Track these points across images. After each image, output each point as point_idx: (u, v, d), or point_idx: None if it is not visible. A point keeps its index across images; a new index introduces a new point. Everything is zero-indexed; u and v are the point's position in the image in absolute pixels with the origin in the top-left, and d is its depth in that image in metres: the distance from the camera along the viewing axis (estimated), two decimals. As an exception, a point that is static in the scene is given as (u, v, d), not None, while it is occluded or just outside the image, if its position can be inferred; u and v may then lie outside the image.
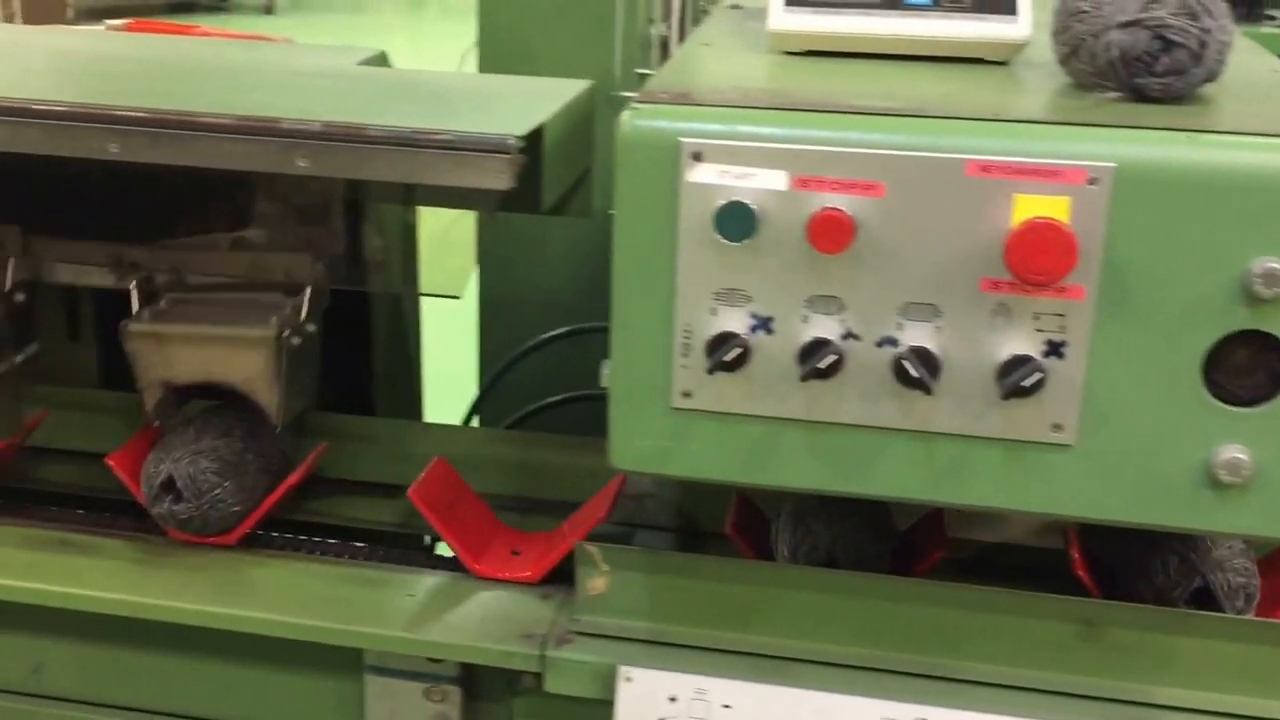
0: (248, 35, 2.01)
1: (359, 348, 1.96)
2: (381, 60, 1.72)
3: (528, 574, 1.50)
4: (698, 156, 1.11)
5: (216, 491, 1.53)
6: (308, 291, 1.60)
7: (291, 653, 1.45)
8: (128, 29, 2.13)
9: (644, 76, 1.67)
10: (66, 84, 1.56)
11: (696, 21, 1.60)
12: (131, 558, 1.53)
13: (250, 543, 1.58)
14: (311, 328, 1.62)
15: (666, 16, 1.56)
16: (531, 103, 1.44)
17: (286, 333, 1.56)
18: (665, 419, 1.18)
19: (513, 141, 1.27)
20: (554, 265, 2.12)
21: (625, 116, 1.14)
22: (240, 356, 1.55)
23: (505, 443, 1.89)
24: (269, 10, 10.93)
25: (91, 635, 1.52)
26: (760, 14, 1.39)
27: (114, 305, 1.92)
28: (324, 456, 1.71)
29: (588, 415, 1.99)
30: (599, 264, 2.09)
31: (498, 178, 1.28)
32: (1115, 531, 1.43)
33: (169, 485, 1.53)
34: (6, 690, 1.57)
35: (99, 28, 2.23)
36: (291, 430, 1.68)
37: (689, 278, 1.14)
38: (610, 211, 1.61)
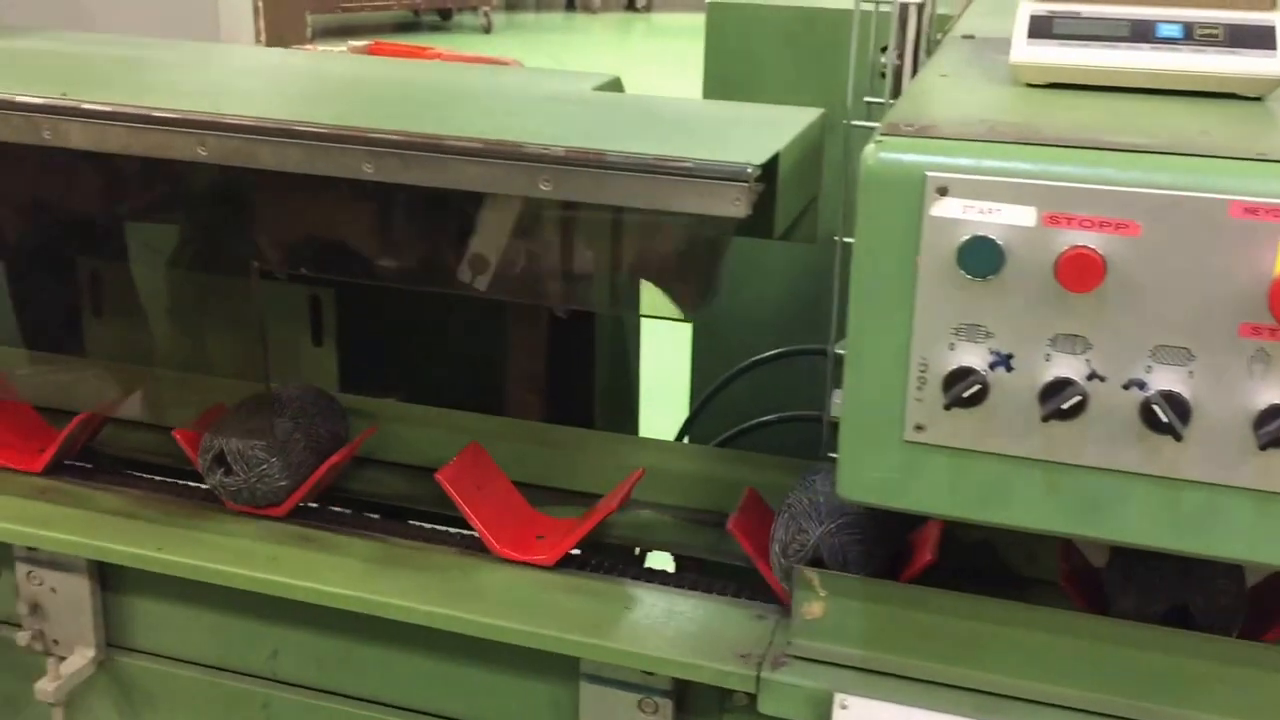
0: (482, 58, 2.09)
1: (584, 364, 2.02)
2: (615, 85, 1.76)
3: (543, 557, 1.58)
4: (943, 190, 1.11)
5: (263, 466, 1.65)
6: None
7: (511, 655, 1.50)
8: (369, 51, 2.25)
9: (872, 105, 1.67)
10: (323, 106, 1.65)
11: (929, 51, 1.59)
12: (365, 556, 1.61)
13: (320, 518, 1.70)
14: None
15: (899, 45, 1.55)
16: (766, 131, 1.46)
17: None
18: (897, 452, 1.18)
19: (750, 170, 1.29)
20: (768, 287, 2.13)
21: (869, 149, 1.14)
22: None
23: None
24: (487, 30, 11.28)
25: (324, 627, 1.61)
26: (998, 44, 1.37)
27: (353, 312, 2.04)
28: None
29: (798, 436, 2.00)
30: (812, 286, 2.10)
31: (735, 205, 1.30)
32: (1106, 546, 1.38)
33: (220, 459, 1.66)
34: (246, 673, 1.67)
35: (341, 48, 2.36)
36: (344, 413, 1.81)
37: (928, 311, 1.13)
38: (835, 238, 1.62)
